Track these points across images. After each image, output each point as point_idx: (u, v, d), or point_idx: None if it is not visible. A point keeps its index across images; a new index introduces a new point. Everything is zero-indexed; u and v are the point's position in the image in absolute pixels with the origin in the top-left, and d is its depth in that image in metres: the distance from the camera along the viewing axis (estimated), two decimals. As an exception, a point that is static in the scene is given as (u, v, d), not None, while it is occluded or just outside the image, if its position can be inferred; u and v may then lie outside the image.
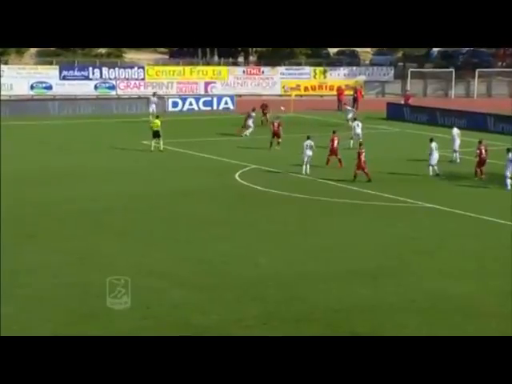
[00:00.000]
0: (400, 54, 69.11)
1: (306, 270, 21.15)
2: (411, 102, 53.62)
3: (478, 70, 61.07)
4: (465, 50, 68.61)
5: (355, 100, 55.98)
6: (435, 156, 33.61)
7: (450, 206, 28.16)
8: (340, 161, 34.99)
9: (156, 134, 39.11)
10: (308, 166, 33.99)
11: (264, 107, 48.31)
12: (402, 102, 53.29)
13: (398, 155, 38.70)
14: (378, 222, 26.49)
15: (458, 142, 36.33)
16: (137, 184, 32.09)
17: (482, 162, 33.35)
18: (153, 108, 48.66)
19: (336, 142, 35.21)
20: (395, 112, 50.45)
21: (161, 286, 19.61)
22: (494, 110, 48.62)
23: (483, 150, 33.44)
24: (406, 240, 24.30)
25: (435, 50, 68.04)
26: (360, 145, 33.57)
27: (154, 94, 51.53)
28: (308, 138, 34.73)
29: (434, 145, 33.91)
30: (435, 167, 33.58)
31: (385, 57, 68.35)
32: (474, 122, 45.91)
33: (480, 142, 34.18)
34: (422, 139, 40.07)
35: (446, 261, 22.23)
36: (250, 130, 44.06)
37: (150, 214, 27.05)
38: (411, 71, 61.57)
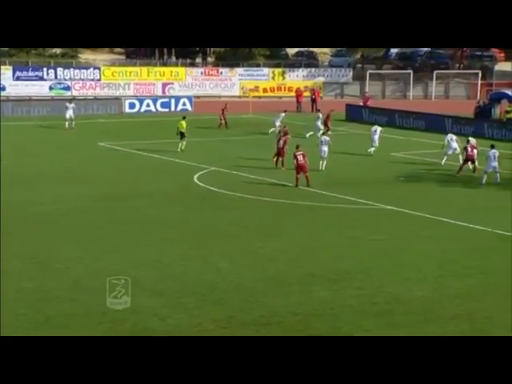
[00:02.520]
0: (358, 55, 69.32)
1: (266, 274, 20.94)
2: (370, 103, 53.77)
3: (435, 72, 61.46)
4: (422, 51, 69.00)
5: (313, 101, 55.98)
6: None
7: (409, 208, 28.16)
8: (282, 162, 34.74)
9: (181, 135, 39.27)
10: (324, 161, 34.36)
11: (223, 108, 47.97)
12: (361, 104, 53.42)
13: (357, 157, 38.71)
14: (337, 224, 26.39)
15: (454, 145, 36.50)
16: (95, 186, 31.64)
17: (468, 160, 34.03)
18: (70, 114, 47.33)
19: (282, 143, 35.07)
20: (354, 113, 50.54)
21: (118, 290, 19.22)
22: (452, 111, 48.94)
23: (469, 148, 33.86)
24: (365, 242, 24.21)
25: (393, 51, 68.31)
26: (297, 147, 32.43)
27: (71, 101, 49.86)
28: (323, 133, 35.66)
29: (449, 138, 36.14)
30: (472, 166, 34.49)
31: (343, 58, 68.49)
32: (431, 123, 46.14)
33: (468, 141, 34.69)
34: (381, 141, 40.17)
35: (406, 263, 22.17)
36: (274, 129, 43.38)
37: (107, 217, 26.65)
38: (370, 73, 61.77)
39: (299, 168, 31.45)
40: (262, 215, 27.49)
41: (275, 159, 35.00)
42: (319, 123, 43.14)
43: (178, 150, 38.87)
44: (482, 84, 60.00)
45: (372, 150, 38.81)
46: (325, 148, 34.69)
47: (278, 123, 43.62)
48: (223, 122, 46.94)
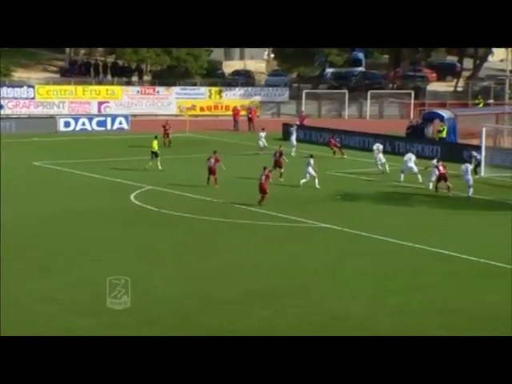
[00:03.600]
0: (294, 74, 69.93)
1: (203, 292, 20.90)
2: (306, 122, 54.24)
3: (370, 92, 62.37)
4: (357, 71, 69.98)
5: (250, 120, 56.26)
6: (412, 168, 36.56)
7: (345, 226, 28.44)
8: (216, 180, 34.88)
9: (154, 154, 39.39)
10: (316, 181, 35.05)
11: (167, 126, 47.50)
12: (298, 123, 53.89)
13: (294, 176, 38.93)
14: (274, 242, 26.50)
15: (410, 165, 37.25)
16: (30, 205, 31.20)
17: (442, 178, 34.56)
18: None
19: (213, 161, 35.15)
20: (290, 133, 50.81)
21: (51, 310, 19.01)
22: (386, 130, 49.68)
23: (441, 167, 34.50)
24: (302, 260, 24.36)
25: (328, 70, 69.09)
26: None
27: None
28: (311, 156, 35.81)
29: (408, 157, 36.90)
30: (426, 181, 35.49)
31: (279, 77, 69.01)
32: (365, 142, 46.84)
33: (438, 161, 35.43)
34: (318, 160, 40.37)
35: (342, 281, 22.38)
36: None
37: (43, 236, 26.30)
38: (306, 92, 62.36)
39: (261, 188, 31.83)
40: (199, 233, 27.44)
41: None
42: (293, 138, 45.53)
43: (159, 168, 38.73)
44: (414, 104, 61.06)
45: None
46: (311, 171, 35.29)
47: (261, 142, 44.90)
48: (166, 140, 46.42)
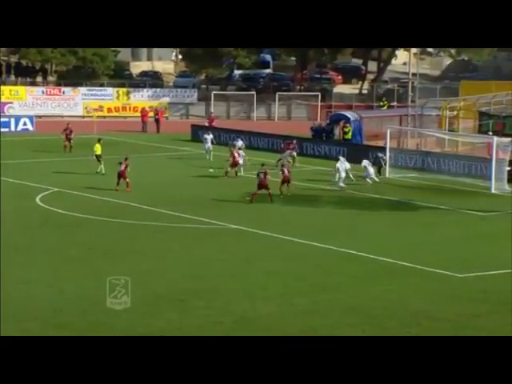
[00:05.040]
0: (203, 76, 69.86)
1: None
2: (215, 124, 54.29)
3: (278, 94, 62.84)
4: (265, 73, 70.40)
5: (157, 121, 55.97)
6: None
7: (255, 228, 28.58)
8: (128, 184, 34.56)
9: (98, 158, 38.48)
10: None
11: (67, 130, 46.21)
12: (207, 124, 53.85)
13: (205, 177, 38.90)
14: (184, 244, 26.43)
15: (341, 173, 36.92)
16: None
17: (285, 181, 34.54)
18: None
19: (124, 166, 34.74)
20: (200, 134, 50.81)
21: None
22: (294, 132, 50.15)
23: (285, 170, 34.68)
24: (212, 262, 24.38)
25: (237, 72, 69.30)
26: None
27: None
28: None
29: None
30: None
31: (188, 79, 68.81)
32: (273, 144, 47.28)
33: (283, 165, 35.61)
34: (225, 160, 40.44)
35: (252, 282, 22.49)
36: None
37: None
38: (214, 93, 62.40)
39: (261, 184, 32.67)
40: (108, 236, 27.14)
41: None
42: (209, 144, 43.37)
43: (99, 172, 37.77)
44: (321, 106, 61.84)
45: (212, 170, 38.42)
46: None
47: (237, 155, 39.82)
48: (67, 144, 45.16)
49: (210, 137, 44.54)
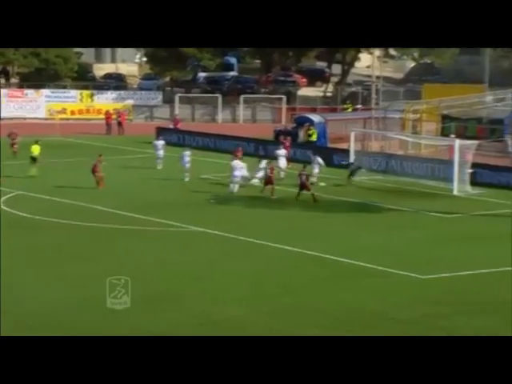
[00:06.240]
0: (167, 78, 69.77)
1: (75, 299, 20.63)
2: (180, 126, 54.24)
3: (242, 96, 62.96)
4: (230, 75, 70.48)
5: (120, 124, 55.81)
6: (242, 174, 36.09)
7: (220, 230, 28.64)
8: (98, 182, 34.67)
9: (33, 160, 37.91)
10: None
11: (13, 135, 45.01)
12: (171, 127, 53.78)
13: (169, 181, 38.88)
14: (150, 247, 26.43)
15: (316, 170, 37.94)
16: None
17: (269, 182, 34.97)
18: None
19: (96, 162, 34.97)
20: (164, 136, 50.72)
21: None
22: (259, 134, 50.27)
23: (269, 171, 35.02)
24: (177, 265, 24.40)
25: (201, 75, 69.29)
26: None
27: None
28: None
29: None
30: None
31: (152, 81, 68.66)
32: (238, 146, 47.34)
33: (269, 163, 36.22)
34: (192, 163, 40.43)
35: (219, 285, 22.55)
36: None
37: None
38: (179, 96, 62.35)
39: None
40: (72, 239, 27.03)
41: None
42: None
43: (31, 175, 37.36)
44: (286, 108, 62.05)
45: (186, 175, 38.39)
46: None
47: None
48: (14, 150, 43.91)
49: (160, 143, 42.53)
